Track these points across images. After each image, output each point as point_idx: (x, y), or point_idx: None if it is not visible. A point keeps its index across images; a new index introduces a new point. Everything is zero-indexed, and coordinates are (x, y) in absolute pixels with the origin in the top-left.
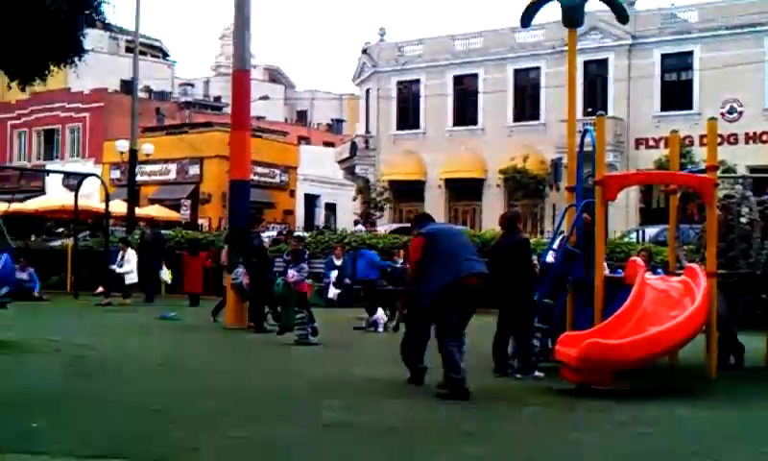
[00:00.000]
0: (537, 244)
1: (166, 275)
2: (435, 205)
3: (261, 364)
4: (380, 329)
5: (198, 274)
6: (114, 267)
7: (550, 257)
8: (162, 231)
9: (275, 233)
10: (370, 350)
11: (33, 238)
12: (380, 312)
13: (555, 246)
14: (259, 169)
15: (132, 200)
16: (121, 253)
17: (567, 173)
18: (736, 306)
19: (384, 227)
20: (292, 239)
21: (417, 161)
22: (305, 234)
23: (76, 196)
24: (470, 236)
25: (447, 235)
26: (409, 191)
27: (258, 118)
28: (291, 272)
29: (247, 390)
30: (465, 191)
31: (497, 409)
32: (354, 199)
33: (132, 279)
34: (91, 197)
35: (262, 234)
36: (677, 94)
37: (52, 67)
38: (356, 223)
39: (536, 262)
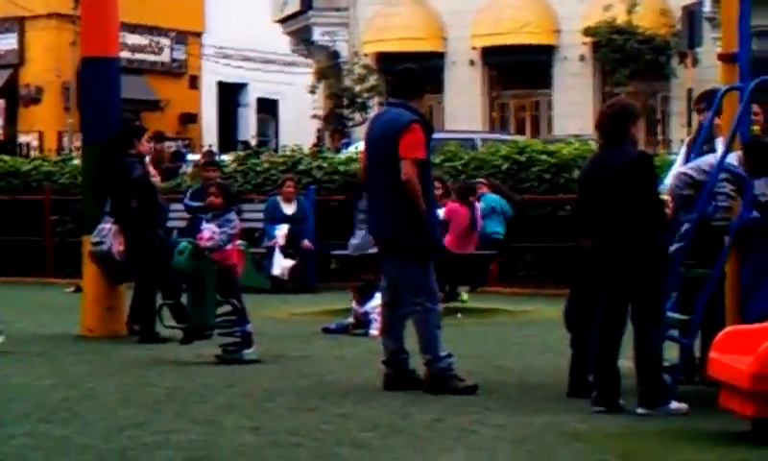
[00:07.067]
0: (663, 164)
1: None
2: (465, 95)
3: (151, 423)
4: (374, 331)
5: None
6: None
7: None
8: None
9: None
10: (363, 380)
11: None
12: (376, 300)
13: (704, 165)
14: (133, 38)
15: None
16: None
17: (723, 29)
18: None
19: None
20: (203, 167)
21: (428, 18)
22: (225, 158)
23: None
24: (535, 153)
25: None
26: None
27: None
28: (207, 229)
29: None
30: (520, 70)
31: None
32: (313, 90)
33: None
34: None
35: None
36: None
37: None
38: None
39: (666, 199)
